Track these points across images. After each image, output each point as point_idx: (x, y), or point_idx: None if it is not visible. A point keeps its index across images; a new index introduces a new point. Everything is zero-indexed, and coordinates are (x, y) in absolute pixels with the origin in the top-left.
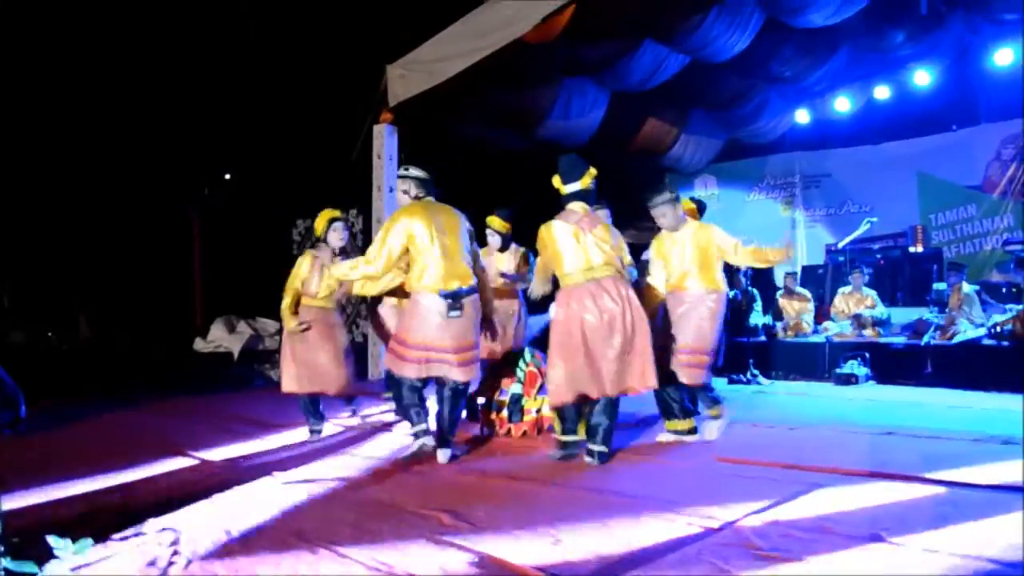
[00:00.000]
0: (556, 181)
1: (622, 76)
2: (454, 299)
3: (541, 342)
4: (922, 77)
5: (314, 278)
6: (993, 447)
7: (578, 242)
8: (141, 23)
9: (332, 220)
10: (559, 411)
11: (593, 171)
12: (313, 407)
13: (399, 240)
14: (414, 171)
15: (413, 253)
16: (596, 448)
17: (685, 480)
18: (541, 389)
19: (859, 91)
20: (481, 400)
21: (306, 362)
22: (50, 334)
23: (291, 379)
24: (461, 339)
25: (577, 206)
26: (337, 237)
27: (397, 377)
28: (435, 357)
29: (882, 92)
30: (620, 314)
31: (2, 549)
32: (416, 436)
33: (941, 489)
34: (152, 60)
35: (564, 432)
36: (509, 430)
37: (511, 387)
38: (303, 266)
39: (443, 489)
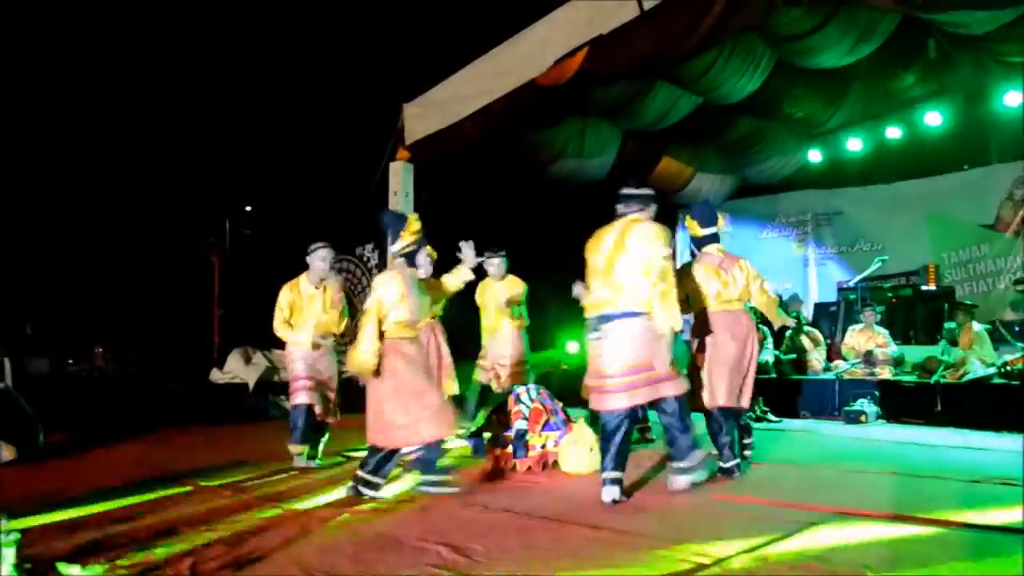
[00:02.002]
0: (694, 227)
1: (635, 116)
2: None
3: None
4: (933, 118)
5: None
6: (990, 488)
7: (717, 277)
8: (163, 60)
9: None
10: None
11: (722, 216)
12: None
13: None
14: None
15: None
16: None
17: (683, 518)
18: (546, 425)
19: (871, 131)
20: (487, 435)
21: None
22: (70, 362)
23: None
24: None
25: (713, 248)
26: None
27: None
28: None
29: (894, 132)
30: (747, 339)
31: (16, 574)
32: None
33: (932, 529)
34: (175, 95)
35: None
36: (514, 465)
37: (516, 423)
38: (397, 284)
39: (444, 523)
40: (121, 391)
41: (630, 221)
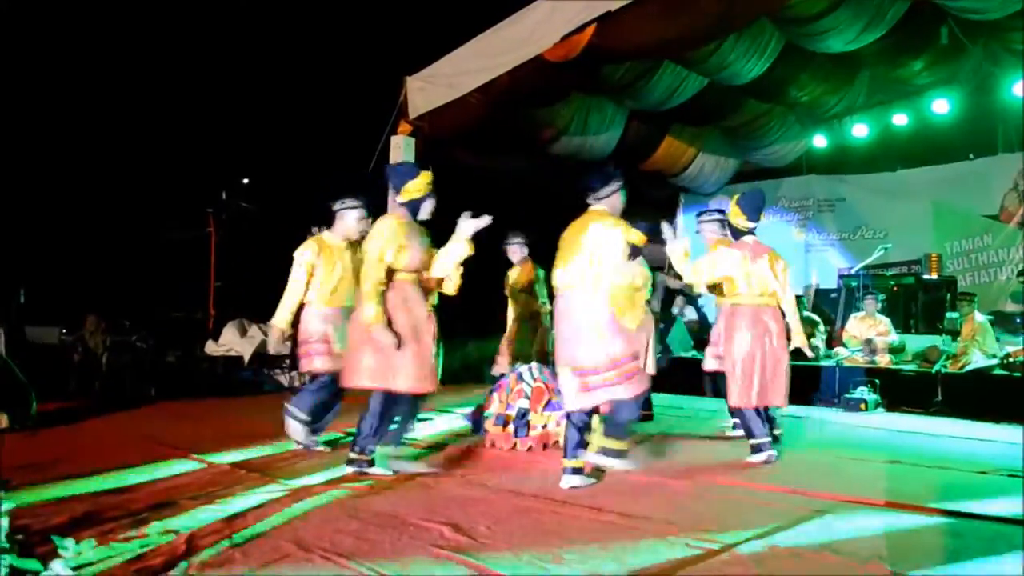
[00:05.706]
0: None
1: (640, 96)
2: None
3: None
4: (941, 105)
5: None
6: (998, 480)
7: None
8: (163, 29)
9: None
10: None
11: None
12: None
13: None
14: None
15: None
16: None
17: (687, 502)
18: (548, 404)
19: (877, 117)
20: (488, 414)
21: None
22: (63, 331)
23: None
24: None
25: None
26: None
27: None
28: None
29: (900, 119)
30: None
31: (7, 547)
32: None
33: (944, 520)
34: (174, 65)
35: None
36: (515, 445)
37: (518, 402)
38: (400, 231)
39: (446, 502)
40: (116, 361)
41: None
